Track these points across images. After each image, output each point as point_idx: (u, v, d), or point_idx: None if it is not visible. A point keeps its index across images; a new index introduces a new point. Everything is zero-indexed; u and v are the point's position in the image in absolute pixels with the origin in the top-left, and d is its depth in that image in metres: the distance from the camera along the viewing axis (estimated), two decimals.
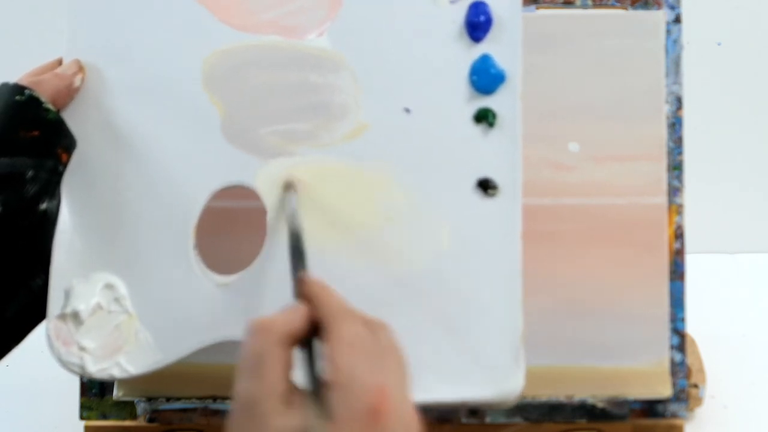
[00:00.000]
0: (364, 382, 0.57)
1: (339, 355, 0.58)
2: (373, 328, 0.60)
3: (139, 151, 0.74)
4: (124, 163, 0.74)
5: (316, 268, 0.67)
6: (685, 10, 0.83)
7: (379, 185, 0.72)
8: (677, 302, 0.82)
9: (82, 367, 0.71)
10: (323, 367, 0.58)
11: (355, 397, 0.56)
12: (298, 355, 0.59)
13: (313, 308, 0.61)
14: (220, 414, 0.82)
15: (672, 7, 0.83)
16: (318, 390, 0.57)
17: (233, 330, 0.70)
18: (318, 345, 0.59)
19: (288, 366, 0.58)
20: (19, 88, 0.72)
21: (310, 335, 0.60)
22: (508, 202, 0.71)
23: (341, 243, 0.71)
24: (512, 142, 0.72)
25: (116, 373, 0.71)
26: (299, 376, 0.58)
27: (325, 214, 0.72)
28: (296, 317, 0.60)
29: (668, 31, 0.83)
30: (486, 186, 0.71)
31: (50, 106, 0.72)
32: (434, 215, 0.72)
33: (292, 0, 0.76)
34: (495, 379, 0.69)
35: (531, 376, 0.81)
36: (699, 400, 0.87)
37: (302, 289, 0.62)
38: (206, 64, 0.75)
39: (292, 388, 0.57)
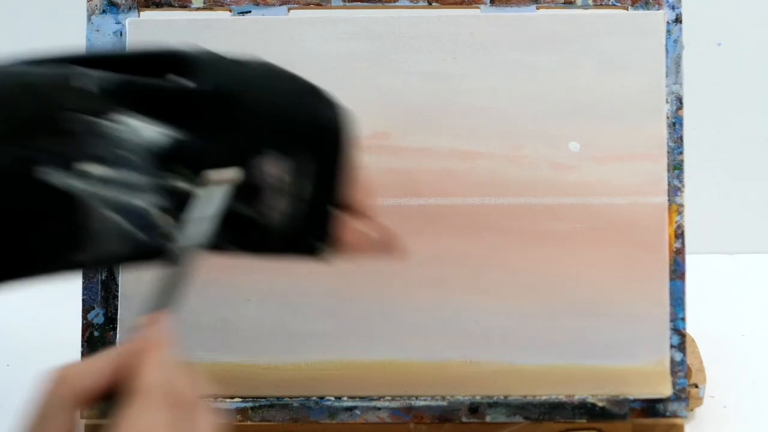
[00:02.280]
0: None
1: None
2: (186, 413, 0.53)
3: None
4: None
5: None
6: (686, 10, 0.83)
7: None
8: (677, 302, 0.81)
9: None
10: None
11: None
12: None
13: (127, 362, 0.54)
14: (221, 413, 0.81)
15: (672, 7, 0.83)
16: None
17: None
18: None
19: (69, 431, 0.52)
20: None
21: (114, 390, 0.53)
22: None
23: None
24: None
25: None
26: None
27: None
28: (99, 373, 0.54)
29: (668, 31, 0.83)
30: None
31: None
32: None
33: None
34: None
35: (531, 376, 0.81)
36: (699, 400, 0.87)
37: (138, 332, 0.55)
38: None
39: None
